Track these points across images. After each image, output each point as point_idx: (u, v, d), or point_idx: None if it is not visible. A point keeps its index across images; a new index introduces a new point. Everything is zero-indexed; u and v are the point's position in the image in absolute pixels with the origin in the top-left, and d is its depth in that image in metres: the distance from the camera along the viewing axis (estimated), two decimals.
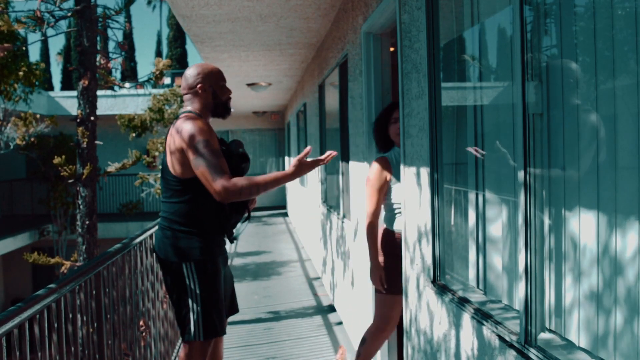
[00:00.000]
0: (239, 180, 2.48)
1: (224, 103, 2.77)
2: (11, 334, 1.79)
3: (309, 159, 2.64)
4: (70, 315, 2.32)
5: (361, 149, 4.07)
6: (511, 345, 1.74)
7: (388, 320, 3.29)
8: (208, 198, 2.58)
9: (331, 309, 5.84)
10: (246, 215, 2.87)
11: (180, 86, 13.84)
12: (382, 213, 3.34)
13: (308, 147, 2.60)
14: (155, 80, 6.96)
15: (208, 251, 2.63)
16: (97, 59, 6.25)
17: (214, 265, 2.65)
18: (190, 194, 2.61)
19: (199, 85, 2.69)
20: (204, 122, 2.60)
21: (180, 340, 4.53)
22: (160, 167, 2.75)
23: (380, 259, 3.25)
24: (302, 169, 2.61)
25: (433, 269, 2.48)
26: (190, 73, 2.72)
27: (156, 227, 3.82)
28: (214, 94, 2.72)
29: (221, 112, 2.77)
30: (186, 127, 2.52)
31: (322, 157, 2.67)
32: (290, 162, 13.50)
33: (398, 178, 3.20)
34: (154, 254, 2.74)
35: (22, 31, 5.72)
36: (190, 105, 2.72)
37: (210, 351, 2.77)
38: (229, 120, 18.26)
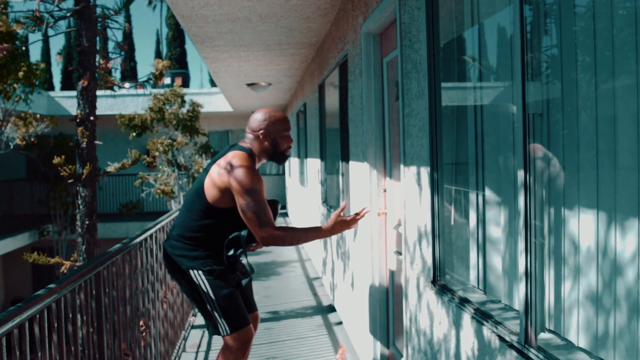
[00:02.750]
0: (282, 231, 2.64)
1: (282, 152, 2.87)
2: (11, 334, 1.79)
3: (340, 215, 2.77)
4: (70, 315, 2.32)
5: (361, 149, 4.07)
6: (511, 346, 1.74)
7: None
8: (225, 228, 2.74)
9: (331, 309, 5.84)
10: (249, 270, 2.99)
11: (180, 86, 13.88)
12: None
13: (344, 203, 2.79)
14: (155, 80, 6.96)
15: (213, 256, 2.77)
16: (97, 59, 6.24)
17: (219, 267, 2.77)
18: (211, 219, 2.74)
19: (261, 131, 2.79)
20: (254, 167, 2.70)
21: (180, 340, 4.53)
22: (192, 181, 2.89)
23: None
24: (340, 227, 2.76)
25: (433, 269, 2.48)
26: (258, 117, 2.82)
27: (156, 228, 3.82)
28: (274, 141, 2.82)
29: (278, 160, 2.88)
30: (241, 170, 2.62)
31: (359, 212, 2.80)
32: (290, 162, 13.50)
33: None
34: (165, 265, 2.93)
35: (21, 31, 5.70)
36: (249, 143, 2.81)
37: (251, 338, 2.87)
38: (230, 120, 18.26)
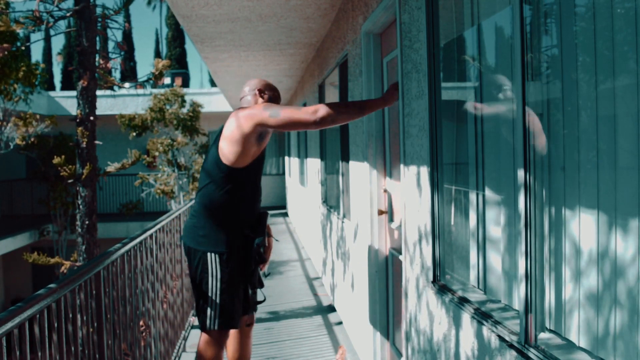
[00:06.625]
0: (331, 105, 2.65)
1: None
2: (11, 334, 1.79)
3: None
4: (70, 315, 2.32)
5: (361, 148, 4.07)
6: (511, 345, 1.74)
7: None
8: (246, 191, 2.76)
9: (331, 309, 5.84)
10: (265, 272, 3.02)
11: (180, 86, 13.90)
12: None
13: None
14: (154, 80, 6.96)
15: (234, 245, 2.75)
16: (97, 59, 6.24)
17: (236, 260, 2.76)
18: (230, 184, 2.74)
19: (258, 89, 3.03)
20: None
21: (180, 340, 4.53)
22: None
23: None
24: (392, 93, 2.88)
25: (433, 269, 2.48)
26: (253, 82, 3.09)
27: (155, 228, 3.82)
28: (269, 99, 3.03)
29: None
30: (251, 109, 2.72)
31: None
32: (290, 162, 13.49)
33: None
34: (182, 242, 2.94)
35: (21, 31, 5.70)
36: (250, 103, 3.01)
37: (226, 342, 2.89)
38: None
